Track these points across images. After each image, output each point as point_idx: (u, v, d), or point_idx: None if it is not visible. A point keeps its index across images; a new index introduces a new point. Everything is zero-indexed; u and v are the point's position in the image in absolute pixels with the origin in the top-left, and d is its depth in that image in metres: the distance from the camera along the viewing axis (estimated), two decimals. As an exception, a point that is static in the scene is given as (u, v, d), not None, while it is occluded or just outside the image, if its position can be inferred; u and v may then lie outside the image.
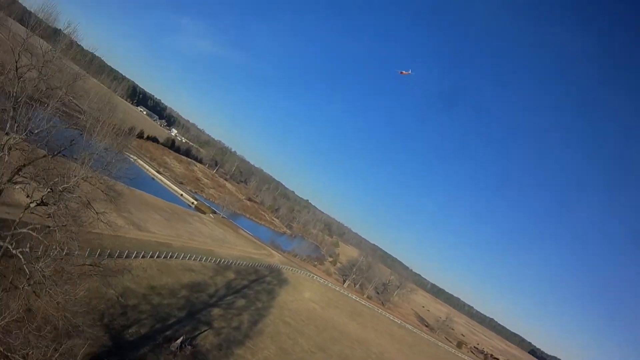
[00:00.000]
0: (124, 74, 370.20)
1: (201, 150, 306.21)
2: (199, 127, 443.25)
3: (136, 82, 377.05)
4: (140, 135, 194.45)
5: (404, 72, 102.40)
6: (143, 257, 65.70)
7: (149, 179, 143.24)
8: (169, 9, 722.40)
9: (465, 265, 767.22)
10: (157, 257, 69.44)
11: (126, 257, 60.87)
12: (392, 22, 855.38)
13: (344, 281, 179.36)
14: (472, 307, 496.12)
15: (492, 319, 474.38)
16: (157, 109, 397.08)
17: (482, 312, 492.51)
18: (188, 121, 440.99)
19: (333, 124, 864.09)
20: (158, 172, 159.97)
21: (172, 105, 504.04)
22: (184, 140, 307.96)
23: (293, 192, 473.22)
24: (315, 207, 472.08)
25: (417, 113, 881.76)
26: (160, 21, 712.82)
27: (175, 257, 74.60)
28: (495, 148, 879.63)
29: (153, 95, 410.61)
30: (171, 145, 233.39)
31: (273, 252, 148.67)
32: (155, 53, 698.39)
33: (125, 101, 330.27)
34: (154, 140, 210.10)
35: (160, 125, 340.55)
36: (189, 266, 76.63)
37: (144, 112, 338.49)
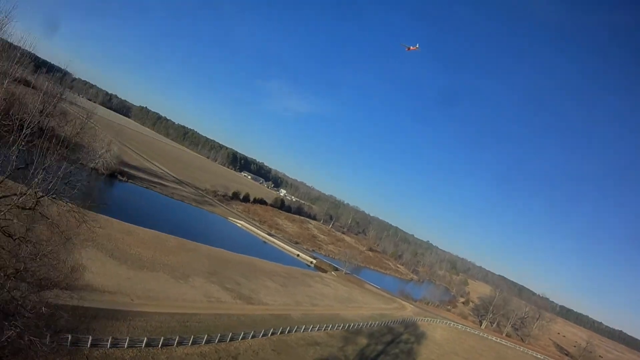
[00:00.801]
0: (221, 143, 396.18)
1: (313, 206, 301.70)
2: (307, 184, 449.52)
3: (236, 149, 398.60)
4: (246, 199, 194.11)
5: (411, 47, 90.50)
6: (253, 337, 52.54)
7: (259, 244, 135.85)
8: (256, 77, 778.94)
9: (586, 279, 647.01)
10: (272, 334, 56.32)
11: (231, 339, 47.89)
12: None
13: (481, 322, 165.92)
14: (601, 323, 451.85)
15: (620, 331, 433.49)
16: (262, 172, 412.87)
17: (610, 326, 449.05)
18: (296, 180, 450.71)
19: (435, 163, 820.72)
20: (269, 234, 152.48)
21: (277, 167, 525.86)
22: (294, 199, 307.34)
23: (412, 235, 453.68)
24: (437, 247, 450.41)
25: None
26: (251, 88, 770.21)
27: (295, 331, 61.53)
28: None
29: (255, 160, 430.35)
30: (281, 205, 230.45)
31: (404, 303, 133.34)
32: (249, 119, 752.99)
33: (227, 168, 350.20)
34: (262, 202, 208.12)
35: (268, 187, 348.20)
36: (312, 339, 62.02)
37: (249, 177, 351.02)
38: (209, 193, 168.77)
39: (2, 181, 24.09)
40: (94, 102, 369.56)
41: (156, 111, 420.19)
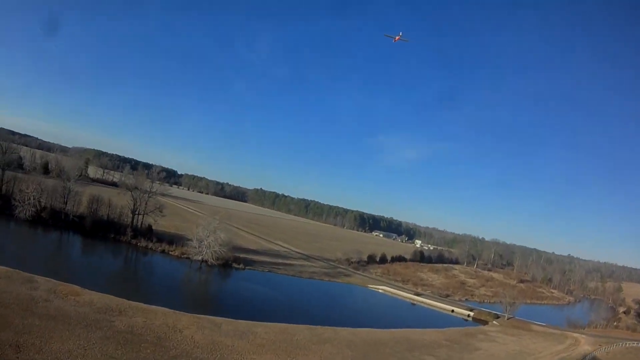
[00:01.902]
0: (345, 207, 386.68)
1: (452, 250, 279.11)
2: (439, 228, 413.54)
3: (362, 210, 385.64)
4: (383, 259, 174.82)
5: (396, 37, 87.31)
6: None
7: (408, 307, 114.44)
8: (364, 135, 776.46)
9: None
10: None
11: None
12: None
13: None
14: None
15: None
16: (393, 227, 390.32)
17: None
18: (427, 227, 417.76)
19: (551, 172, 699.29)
20: (417, 294, 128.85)
21: (407, 218, 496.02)
22: (431, 248, 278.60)
23: (553, 252, 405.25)
24: (579, 259, 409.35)
25: None
26: (362, 147, 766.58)
27: None
28: None
29: (384, 216, 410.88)
30: (420, 257, 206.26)
31: (576, 335, 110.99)
32: (368, 176, 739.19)
33: (357, 232, 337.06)
34: (400, 259, 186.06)
35: (402, 241, 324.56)
36: None
37: (381, 235, 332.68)
38: (342, 262, 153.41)
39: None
40: (205, 193, 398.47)
41: (273, 190, 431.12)
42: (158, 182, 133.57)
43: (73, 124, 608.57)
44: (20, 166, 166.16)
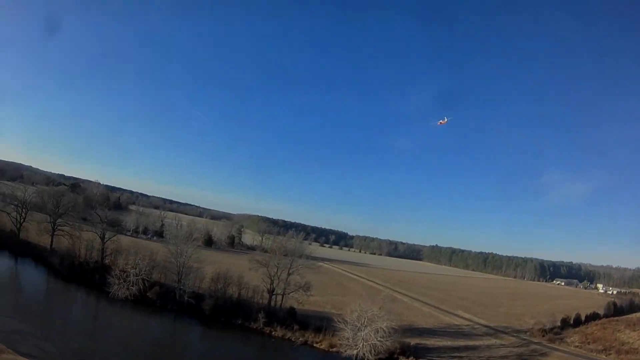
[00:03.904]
0: (524, 256, 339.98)
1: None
2: (614, 266, 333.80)
3: (541, 258, 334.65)
4: (577, 321, 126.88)
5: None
6: None
7: None
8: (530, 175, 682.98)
9: None
10: None
11: None
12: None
13: None
14: None
15: None
16: (573, 273, 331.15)
17: None
18: (602, 266, 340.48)
19: None
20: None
21: (581, 260, 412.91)
22: (614, 292, 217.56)
23: None
24: None
25: None
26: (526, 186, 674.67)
27: None
28: None
29: (563, 262, 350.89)
30: (614, 310, 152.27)
31: None
32: (539, 218, 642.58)
33: (538, 283, 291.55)
34: (594, 317, 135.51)
35: (584, 288, 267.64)
36: None
37: (562, 283, 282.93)
38: (534, 332, 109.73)
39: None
40: (378, 254, 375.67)
41: (449, 246, 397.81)
42: (308, 242, 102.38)
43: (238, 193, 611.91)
44: (159, 234, 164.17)
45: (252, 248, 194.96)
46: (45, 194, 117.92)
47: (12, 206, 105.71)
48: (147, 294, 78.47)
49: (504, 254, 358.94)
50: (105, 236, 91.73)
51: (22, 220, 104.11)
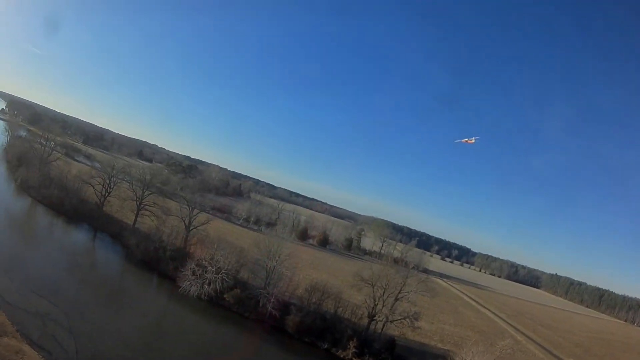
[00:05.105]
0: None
1: None
2: None
3: None
4: None
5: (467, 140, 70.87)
6: None
7: None
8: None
9: None
10: None
11: None
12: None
13: None
14: None
15: None
16: None
17: None
18: None
19: None
20: None
21: None
22: None
23: None
24: None
25: None
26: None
27: None
28: None
29: None
30: None
31: None
32: None
33: None
34: None
35: None
36: None
37: None
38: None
39: None
40: (497, 276, 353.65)
41: (568, 276, 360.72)
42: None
43: (369, 194, 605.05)
44: (271, 225, 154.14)
45: (369, 253, 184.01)
46: (147, 171, 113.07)
47: (99, 179, 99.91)
48: (225, 296, 65.26)
49: (620, 293, 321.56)
50: (191, 223, 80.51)
51: (106, 193, 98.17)
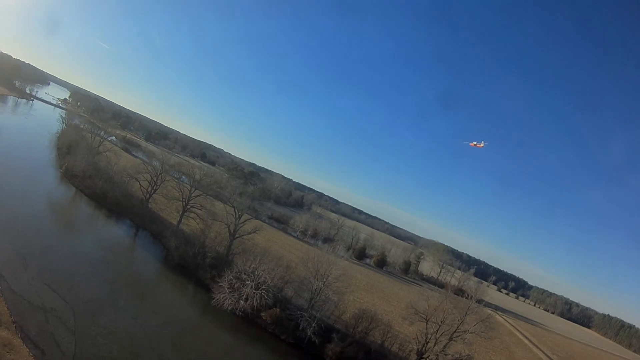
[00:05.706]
0: None
1: None
2: None
3: None
4: None
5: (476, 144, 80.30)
6: None
7: None
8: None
9: None
10: None
11: None
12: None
13: None
14: None
15: None
16: None
17: None
18: None
19: None
20: None
21: None
22: None
23: None
24: None
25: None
26: None
27: None
28: None
29: None
30: None
31: None
32: None
33: None
34: None
35: None
36: None
37: None
38: None
39: None
40: (551, 312, 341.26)
41: (620, 318, 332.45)
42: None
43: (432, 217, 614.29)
44: (329, 240, 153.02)
45: (427, 280, 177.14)
46: (198, 171, 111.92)
47: (147, 174, 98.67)
48: (262, 314, 60.12)
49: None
50: (237, 231, 76.32)
51: (152, 190, 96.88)
